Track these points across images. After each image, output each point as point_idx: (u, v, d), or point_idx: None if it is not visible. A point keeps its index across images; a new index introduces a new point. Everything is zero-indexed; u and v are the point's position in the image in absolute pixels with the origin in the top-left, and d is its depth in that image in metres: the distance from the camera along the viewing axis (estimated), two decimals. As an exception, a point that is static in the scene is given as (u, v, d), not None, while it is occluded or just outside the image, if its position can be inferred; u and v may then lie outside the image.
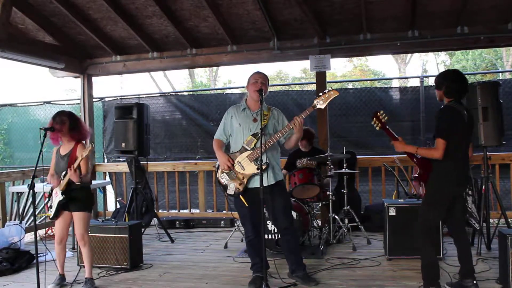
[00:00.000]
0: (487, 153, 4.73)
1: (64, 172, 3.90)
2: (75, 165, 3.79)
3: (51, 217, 3.99)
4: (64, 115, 3.95)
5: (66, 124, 3.91)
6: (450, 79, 3.44)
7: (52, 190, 3.99)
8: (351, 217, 5.29)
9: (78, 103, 8.02)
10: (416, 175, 3.64)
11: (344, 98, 7.05)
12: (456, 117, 3.36)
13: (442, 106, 3.46)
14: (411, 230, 4.34)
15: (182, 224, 6.55)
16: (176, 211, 7.13)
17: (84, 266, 4.16)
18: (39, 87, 26.34)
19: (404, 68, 20.75)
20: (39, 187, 3.94)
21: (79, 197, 3.93)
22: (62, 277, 4.06)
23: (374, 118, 3.62)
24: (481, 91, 4.61)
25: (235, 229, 5.52)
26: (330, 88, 3.72)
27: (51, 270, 4.23)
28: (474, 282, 3.43)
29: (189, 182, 7.00)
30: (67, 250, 4.50)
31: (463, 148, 3.42)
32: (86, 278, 3.99)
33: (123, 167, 7.19)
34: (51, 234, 5.89)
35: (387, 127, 3.62)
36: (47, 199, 4.00)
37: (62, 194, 3.87)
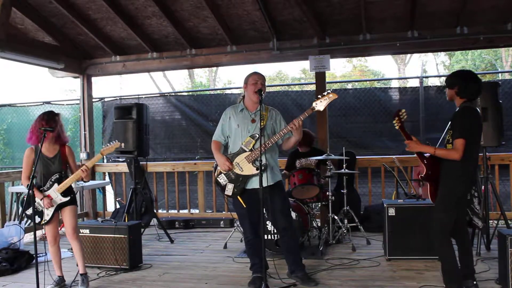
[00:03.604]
0: (487, 154, 4.73)
1: (58, 175, 3.88)
2: (90, 164, 3.90)
3: (46, 221, 3.89)
4: (57, 116, 3.94)
5: (58, 125, 3.92)
6: (464, 79, 3.40)
7: (31, 195, 3.83)
8: (350, 217, 5.28)
9: (77, 103, 8.03)
10: (423, 175, 3.55)
11: (343, 98, 7.05)
12: (476, 118, 3.35)
13: (461, 107, 3.37)
14: (411, 231, 4.37)
15: (181, 225, 6.54)
16: (176, 211, 7.13)
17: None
18: (39, 87, 26.42)
19: (403, 68, 20.77)
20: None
21: (70, 199, 3.94)
22: (61, 279, 4.04)
23: (396, 118, 3.57)
24: (482, 90, 4.59)
25: (234, 230, 5.52)
26: (329, 91, 3.71)
27: (50, 270, 4.22)
28: (474, 283, 3.43)
29: (188, 182, 7.00)
30: (66, 250, 4.52)
31: (477, 150, 3.42)
32: (81, 274, 3.97)
33: (123, 167, 7.19)
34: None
35: (403, 126, 3.59)
36: (24, 206, 3.87)
37: (64, 195, 3.87)
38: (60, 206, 3.92)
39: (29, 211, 3.86)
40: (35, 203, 3.85)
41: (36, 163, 3.70)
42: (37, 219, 3.86)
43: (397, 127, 3.57)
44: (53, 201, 3.86)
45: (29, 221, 3.90)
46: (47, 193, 3.85)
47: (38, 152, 3.71)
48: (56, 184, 3.86)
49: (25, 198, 3.80)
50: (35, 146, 3.89)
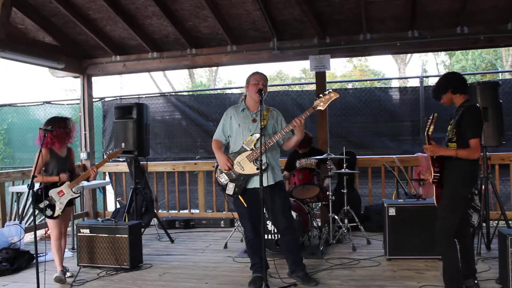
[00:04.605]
0: (487, 153, 4.73)
1: (69, 172, 4.21)
2: (99, 166, 4.31)
3: (57, 215, 4.13)
4: (62, 121, 4.21)
5: (72, 129, 4.27)
6: (455, 78, 3.42)
7: (44, 189, 4.07)
8: (350, 217, 5.28)
9: (77, 103, 8.02)
10: (434, 179, 3.46)
11: (344, 98, 7.04)
12: (481, 117, 3.39)
13: (467, 106, 3.35)
14: (411, 230, 4.36)
15: (181, 224, 6.54)
16: (176, 211, 7.13)
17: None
18: (39, 87, 26.40)
19: (403, 68, 20.75)
20: (39, 187, 4.06)
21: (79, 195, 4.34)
22: (63, 271, 4.17)
23: (432, 123, 3.37)
24: (481, 91, 4.60)
25: (234, 229, 5.52)
26: (330, 90, 3.71)
27: (50, 270, 4.24)
28: (476, 282, 3.44)
29: (189, 182, 6.99)
30: (66, 250, 4.54)
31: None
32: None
33: (123, 167, 7.19)
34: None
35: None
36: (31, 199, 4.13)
37: (74, 192, 4.21)
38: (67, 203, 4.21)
39: (42, 205, 4.05)
40: (48, 197, 4.09)
41: (37, 161, 3.84)
42: (50, 212, 4.11)
43: (430, 133, 3.36)
44: (64, 196, 4.14)
45: (40, 214, 4.25)
46: (60, 188, 4.13)
47: (39, 152, 3.85)
48: (68, 181, 4.16)
49: (39, 192, 4.04)
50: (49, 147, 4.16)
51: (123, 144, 4.41)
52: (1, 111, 9.22)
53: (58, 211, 4.12)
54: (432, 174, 3.42)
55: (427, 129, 3.38)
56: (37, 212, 4.21)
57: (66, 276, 4.18)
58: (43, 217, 6.33)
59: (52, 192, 4.12)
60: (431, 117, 3.41)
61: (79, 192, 4.27)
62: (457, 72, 3.56)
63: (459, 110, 3.37)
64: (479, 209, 4.60)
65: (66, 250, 4.60)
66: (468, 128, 3.29)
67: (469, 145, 3.25)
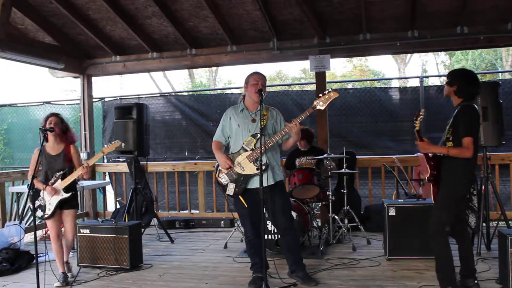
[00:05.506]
0: (487, 153, 4.73)
1: (62, 171, 4.06)
2: (91, 162, 4.13)
3: (47, 216, 4.07)
4: (57, 116, 4.17)
5: (59, 125, 4.15)
6: (464, 80, 3.41)
7: (35, 190, 4.03)
8: (350, 217, 5.28)
9: (77, 103, 8.03)
10: (428, 176, 3.53)
11: (344, 98, 7.05)
12: (477, 117, 3.38)
13: (462, 105, 3.38)
14: (411, 230, 4.37)
15: (181, 224, 6.54)
16: (176, 211, 7.13)
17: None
18: (39, 87, 26.43)
19: (403, 68, 20.76)
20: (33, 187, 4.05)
21: (71, 196, 4.13)
22: (65, 275, 4.12)
23: (418, 119, 3.50)
24: (481, 91, 4.60)
25: (235, 229, 5.52)
26: (330, 90, 3.72)
27: (50, 270, 4.23)
28: (476, 282, 3.44)
29: (188, 182, 6.99)
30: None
31: (477, 148, 3.41)
32: (66, 262, 4.22)
33: (123, 167, 7.18)
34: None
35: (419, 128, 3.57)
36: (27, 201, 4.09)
37: (66, 191, 4.06)
38: (62, 204, 4.09)
39: (36, 204, 4.00)
40: (39, 198, 4.03)
41: (37, 162, 3.83)
42: (40, 213, 4.05)
43: (417, 128, 3.50)
44: (54, 197, 4.03)
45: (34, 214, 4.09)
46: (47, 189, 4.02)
47: (40, 152, 3.85)
48: (60, 180, 4.05)
49: (31, 192, 3.95)
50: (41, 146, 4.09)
51: (123, 144, 4.34)
52: (1, 111, 9.21)
53: (48, 212, 4.05)
54: (429, 172, 3.45)
55: (414, 125, 3.46)
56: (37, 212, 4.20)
57: (68, 277, 4.15)
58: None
59: (44, 193, 4.06)
60: (417, 114, 3.50)
61: (70, 192, 4.08)
62: (474, 77, 3.45)
63: (456, 110, 3.40)
64: (476, 210, 4.61)
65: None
66: (462, 127, 3.30)
67: (462, 144, 3.26)
